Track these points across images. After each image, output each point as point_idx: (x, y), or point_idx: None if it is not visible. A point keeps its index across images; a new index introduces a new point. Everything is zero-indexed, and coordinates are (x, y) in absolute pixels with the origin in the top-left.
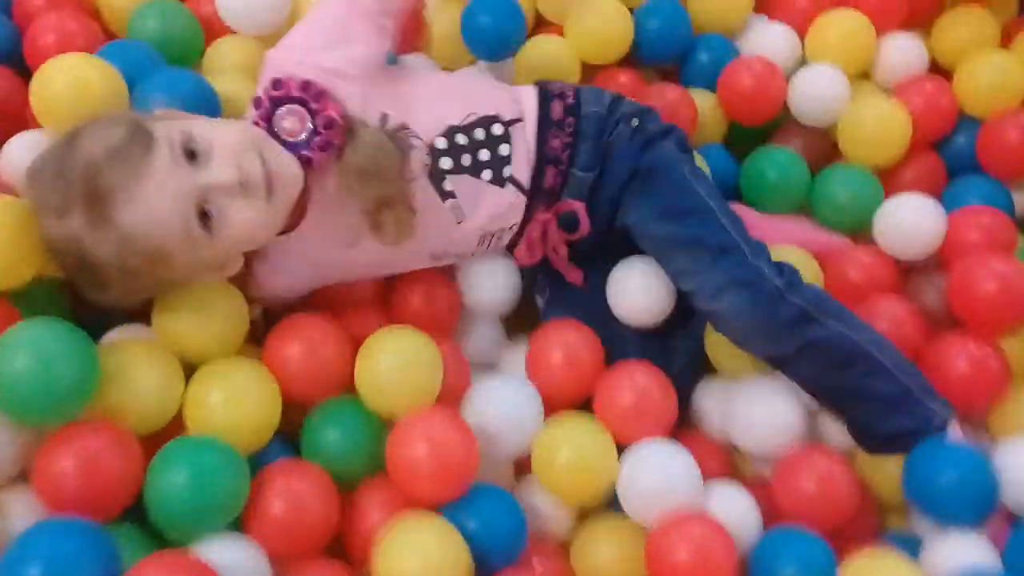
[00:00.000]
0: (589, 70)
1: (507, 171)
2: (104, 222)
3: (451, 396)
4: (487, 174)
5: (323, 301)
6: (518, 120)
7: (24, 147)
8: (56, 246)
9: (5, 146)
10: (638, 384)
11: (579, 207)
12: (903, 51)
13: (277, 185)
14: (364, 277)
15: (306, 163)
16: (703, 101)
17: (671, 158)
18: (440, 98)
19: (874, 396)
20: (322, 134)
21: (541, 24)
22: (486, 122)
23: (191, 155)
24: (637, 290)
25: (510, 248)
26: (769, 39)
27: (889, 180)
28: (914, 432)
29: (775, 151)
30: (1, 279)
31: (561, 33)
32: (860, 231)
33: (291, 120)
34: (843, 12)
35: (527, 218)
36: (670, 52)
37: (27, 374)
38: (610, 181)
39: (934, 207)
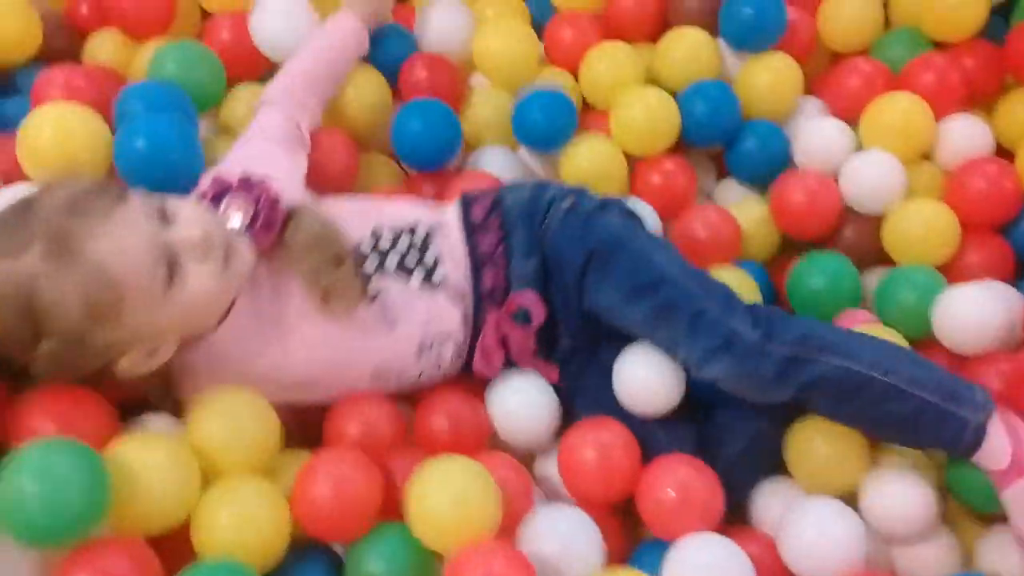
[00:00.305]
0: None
1: (437, 276)
2: (67, 254)
3: (511, 519)
4: (416, 279)
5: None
6: (440, 228)
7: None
8: (1, 296)
9: None
10: (680, 478)
11: (529, 296)
12: (965, 133)
13: (233, 257)
14: (296, 398)
15: (254, 243)
16: (751, 212)
17: (620, 233)
18: (362, 211)
19: (894, 419)
20: (263, 214)
21: (586, 108)
22: (409, 229)
23: (162, 217)
24: (642, 380)
25: (467, 364)
26: (820, 126)
27: (952, 269)
28: (955, 441)
29: (823, 258)
30: None
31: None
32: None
33: (234, 210)
34: (898, 96)
35: (476, 325)
36: (716, 136)
37: (36, 498)
38: (565, 265)
39: (993, 296)
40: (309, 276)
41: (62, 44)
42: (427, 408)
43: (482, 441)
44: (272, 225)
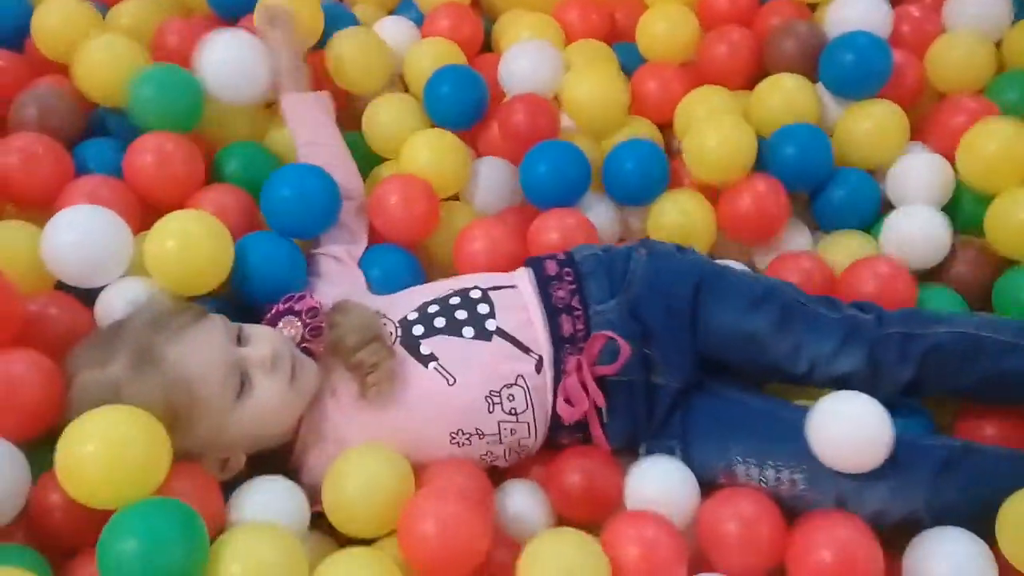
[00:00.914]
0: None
1: (491, 324)
2: (150, 363)
3: None
4: (468, 331)
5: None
6: (506, 287)
7: (122, 294)
8: (89, 400)
9: (103, 293)
10: (836, 539)
11: (608, 335)
12: None
13: (299, 374)
14: None
15: (309, 355)
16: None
17: (713, 263)
18: (420, 291)
19: (1016, 374)
20: (309, 323)
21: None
22: (462, 292)
23: (237, 338)
24: (850, 432)
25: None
26: (918, 171)
27: None
28: None
29: (937, 291)
30: None
31: None
32: None
33: (287, 330)
34: (997, 122)
35: (558, 373)
36: (804, 182)
37: (136, 557)
38: (672, 300)
39: None
40: (346, 363)
41: None
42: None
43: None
44: (318, 332)
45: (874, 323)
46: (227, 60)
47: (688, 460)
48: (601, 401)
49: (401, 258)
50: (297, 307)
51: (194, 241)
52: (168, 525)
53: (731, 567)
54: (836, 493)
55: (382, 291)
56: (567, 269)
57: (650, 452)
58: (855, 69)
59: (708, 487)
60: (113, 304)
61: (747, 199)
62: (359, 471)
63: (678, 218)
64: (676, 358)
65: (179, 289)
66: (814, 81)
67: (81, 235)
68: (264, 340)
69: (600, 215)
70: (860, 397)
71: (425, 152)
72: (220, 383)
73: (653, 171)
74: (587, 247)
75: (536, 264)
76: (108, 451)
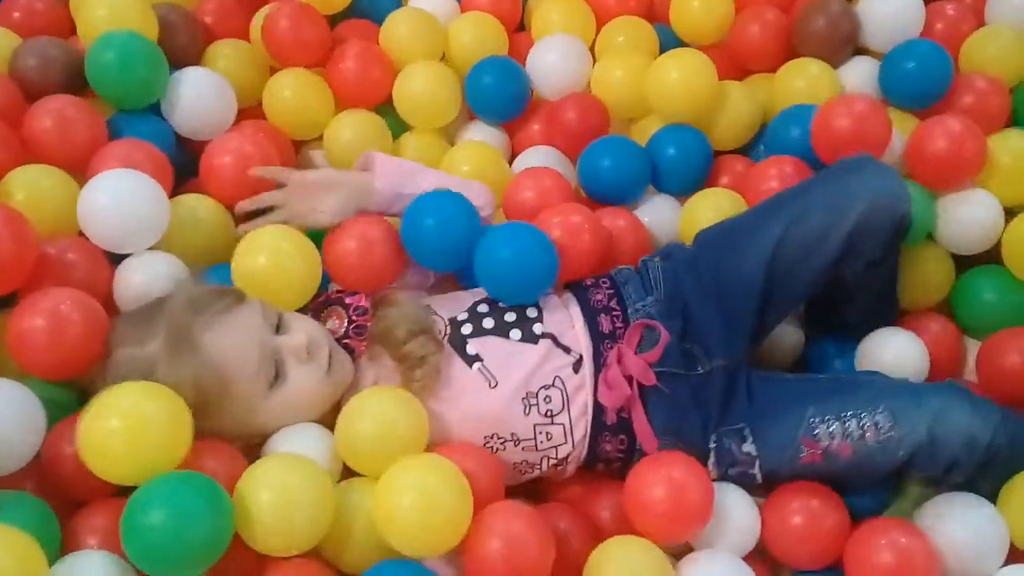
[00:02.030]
0: None
1: (538, 328)
2: (186, 346)
3: None
4: (516, 333)
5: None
6: (550, 293)
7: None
8: (121, 376)
9: (122, 265)
10: (896, 543)
11: (647, 322)
12: None
13: (335, 366)
14: None
15: (349, 351)
16: None
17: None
18: (470, 293)
19: None
20: (355, 321)
21: None
22: None
23: (275, 325)
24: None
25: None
26: None
27: None
28: None
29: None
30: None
31: None
32: None
33: (332, 320)
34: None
35: (597, 369)
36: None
37: (162, 529)
38: (694, 280)
39: None
40: (393, 353)
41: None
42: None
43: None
44: (361, 331)
45: None
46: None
47: (761, 439)
48: (651, 378)
49: None
50: (348, 300)
51: (285, 259)
52: (194, 498)
53: (791, 558)
54: (925, 421)
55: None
56: (603, 280)
57: (720, 441)
58: (917, 80)
59: (784, 472)
60: (131, 278)
61: (775, 183)
62: (374, 410)
63: (712, 215)
64: (717, 340)
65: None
66: (844, 60)
67: (117, 199)
68: (301, 329)
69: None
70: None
71: (465, 167)
72: (254, 372)
73: (695, 160)
74: (621, 267)
75: (572, 283)
76: (130, 427)
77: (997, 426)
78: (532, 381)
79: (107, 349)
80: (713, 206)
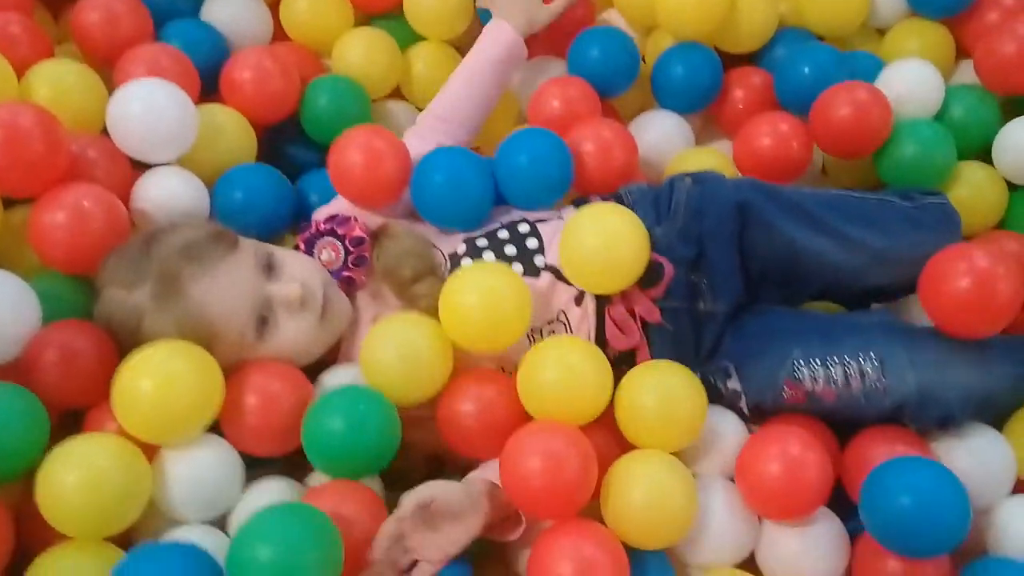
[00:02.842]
0: None
1: (539, 260)
2: (174, 295)
3: None
4: (517, 267)
5: None
6: (553, 219)
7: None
8: (114, 319)
9: (140, 180)
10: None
11: (654, 257)
12: None
13: (330, 312)
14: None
15: (350, 283)
16: None
17: (757, 180)
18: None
19: None
20: (353, 252)
21: None
22: (510, 226)
23: (268, 268)
24: None
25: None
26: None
27: None
28: None
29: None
30: None
31: None
32: None
33: (327, 252)
34: None
35: (599, 302)
36: None
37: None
38: (718, 218)
39: None
40: (399, 292)
41: None
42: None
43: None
44: (362, 262)
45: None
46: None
47: (745, 378)
48: (656, 316)
49: None
50: (340, 231)
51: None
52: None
53: (771, 512)
54: (916, 375)
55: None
56: (612, 200)
57: (704, 378)
58: None
59: (769, 407)
60: (149, 193)
61: (767, 140)
62: (399, 335)
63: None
64: (724, 283)
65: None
66: None
67: (148, 109)
68: (295, 276)
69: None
70: None
71: None
72: (241, 323)
73: (702, 77)
74: (632, 184)
75: (580, 201)
76: (162, 387)
77: (998, 379)
78: (537, 316)
79: (97, 284)
80: (695, 166)
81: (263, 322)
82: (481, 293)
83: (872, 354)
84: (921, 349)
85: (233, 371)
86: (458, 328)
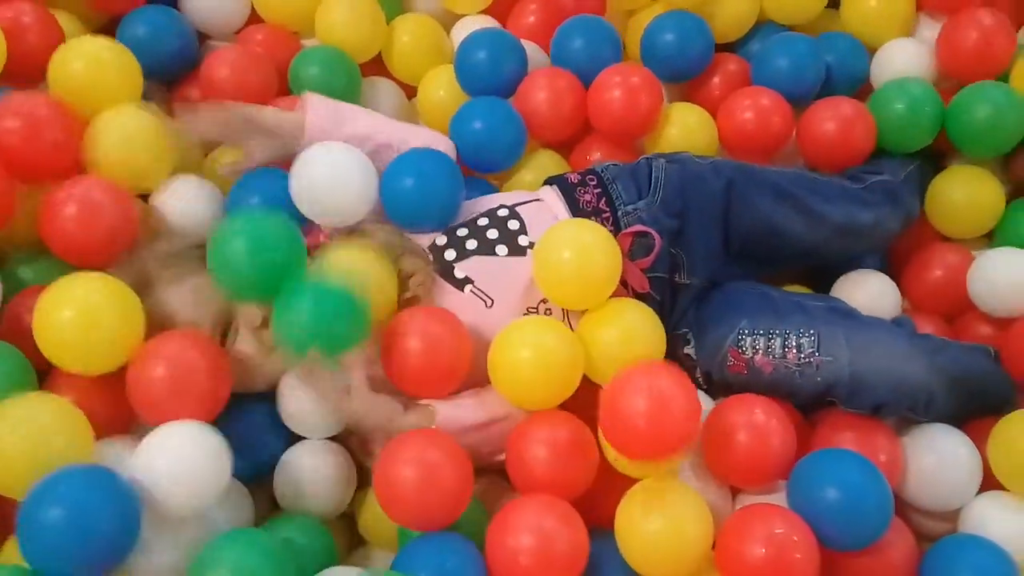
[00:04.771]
0: None
1: (523, 240)
2: (146, 298)
3: None
4: (502, 249)
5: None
6: (532, 201)
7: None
8: None
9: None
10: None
11: (639, 228)
12: None
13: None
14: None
15: None
16: None
17: (732, 162)
18: None
19: None
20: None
21: None
22: (489, 213)
23: None
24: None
25: None
26: None
27: None
28: None
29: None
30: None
31: None
32: None
33: None
34: None
35: None
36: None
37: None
38: (704, 197)
39: None
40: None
41: None
42: None
43: None
44: None
45: (899, 183)
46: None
47: (699, 346)
48: (645, 284)
49: None
50: (307, 242)
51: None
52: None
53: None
54: (847, 354)
55: None
56: (589, 176)
57: (669, 343)
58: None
59: (716, 377)
60: (167, 203)
61: (749, 113)
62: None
63: (678, 133)
64: (702, 257)
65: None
66: None
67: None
68: None
69: None
70: None
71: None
72: (203, 331)
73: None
74: (605, 163)
75: (557, 178)
76: (83, 318)
77: (933, 375)
78: (532, 294)
79: None
80: (680, 121)
81: (225, 336)
82: (576, 250)
83: (811, 331)
84: (860, 334)
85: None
86: (552, 283)
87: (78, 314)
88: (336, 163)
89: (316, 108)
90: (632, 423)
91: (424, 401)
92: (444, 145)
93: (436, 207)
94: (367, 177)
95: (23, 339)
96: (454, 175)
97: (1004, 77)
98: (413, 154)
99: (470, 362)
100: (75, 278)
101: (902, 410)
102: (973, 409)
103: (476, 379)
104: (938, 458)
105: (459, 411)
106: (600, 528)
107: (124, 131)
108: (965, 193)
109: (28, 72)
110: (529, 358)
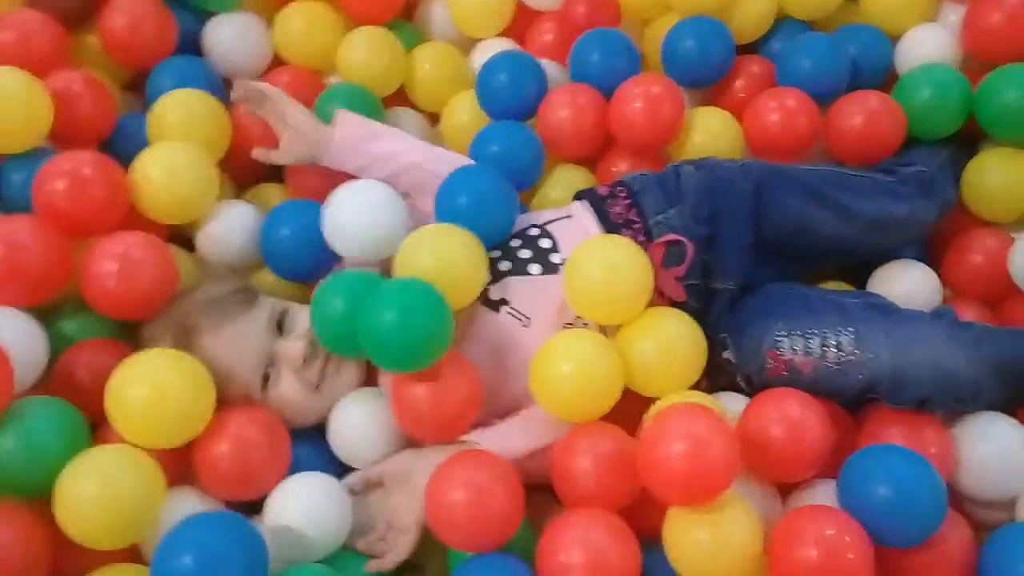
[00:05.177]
0: None
1: (556, 258)
2: (188, 347)
3: None
4: (535, 268)
5: None
6: (562, 218)
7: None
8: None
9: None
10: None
11: (671, 238)
12: None
13: (327, 383)
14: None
15: None
16: None
17: (760, 163)
18: None
19: None
20: None
21: None
22: (519, 233)
23: (280, 327)
24: None
25: None
26: None
27: None
28: None
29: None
30: None
31: None
32: None
33: None
34: None
35: None
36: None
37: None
38: (733, 200)
39: None
40: None
41: None
42: None
43: None
44: None
45: (929, 177)
46: None
47: (737, 350)
48: (682, 294)
49: None
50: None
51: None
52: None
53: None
54: (888, 350)
55: None
56: (619, 188)
57: (709, 349)
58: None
59: (756, 380)
60: (211, 234)
61: (775, 115)
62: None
63: (702, 138)
64: (735, 262)
65: None
66: None
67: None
68: (301, 336)
69: None
70: None
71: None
72: (246, 378)
73: (715, 50)
74: (633, 173)
75: (587, 192)
76: (154, 395)
77: (978, 364)
78: (567, 311)
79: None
80: (703, 126)
81: (267, 378)
82: (605, 267)
83: (850, 328)
84: (899, 328)
85: None
86: (583, 302)
87: (152, 392)
88: (369, 202)
89: (345, 124)
90: (669, 469)
91: (466, 438)
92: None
93: (492, 223)
94: (398, 215)
95: (75, 393)
96: (508, 192)
97: None
98: (468, 170)
99: (480, 404)
100: (150, 355)
101: (948, 403)
102: (1022, 395)
103: (519, 401)
104: (990, 447)
105: (505, 443)
106: (649, 539)
107: (169, 164)
108: (1001, 175)
109: (81, 138)
110: (570, 371)
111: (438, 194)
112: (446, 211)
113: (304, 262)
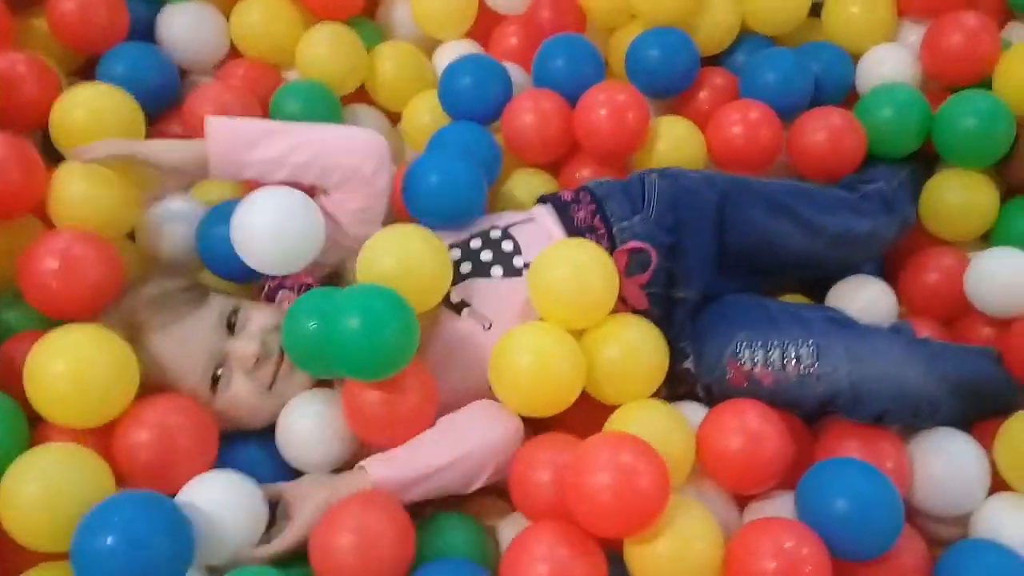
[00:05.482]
0: None
1: (518, 261)
2: (136, 343)
3: None
4: (496, 271)
5: None
6: (525, 221)
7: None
8: None
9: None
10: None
11: (635, 245)
12: None
13: (280, 384)
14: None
15: None
16: None
17: (725, 174)
18: None
19: None
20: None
21: None
22: (481, 234)
23: (230, 326)
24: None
25: None
26: None
27: None
28: None
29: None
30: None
31: None
32: None
33: (287, 303)
34: None
35: None
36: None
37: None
38: (697, 210)
39: None
40: None
41: None
42: None
43: None
44: None
45: (890, 191)
46: None
47: (698, 359)
48: (644, 302)
49: None
50: (288, 284)
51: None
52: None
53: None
54: (846, 364)
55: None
56: (583, 193)
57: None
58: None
59: (716, 390)
60: (153, 225)
61: (738, 127)
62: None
63: (667, 146)
64: (698, 271)
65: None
66: None
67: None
68: (254, 336)
69: None
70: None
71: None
72: (195, 378)
73: (679, 60)
74: (597, 180)
75: (550, 196)
76: (76, 370)
77: (935, 381)
78: (529, 315)
79: None
80: (667, 135)
81: (216, 379)
82: (571, 271)
83: (811, 341)
84: (858, 343)
85: None
86: (548, 305)
87: (70, 367)
88: (278, 209)
89: (217, 139)
90: (597, 500)
91: (359, 464)
92: (373, 137)
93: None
94: (307, 217)
95: (13, 386)
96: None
97: (991, 78)
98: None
99: (434, 410)
100: (68, 330)
101: (905, 418)
102: (977, 412)
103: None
104: (946, 462)
105: (393, 470)
106: (609, 550)
107: (83, 186)
108: (959, 195)
109: (24, 121)
110: (530, 363)
111: (406, 177)
112: (417, 193)
113: (242, 262)
